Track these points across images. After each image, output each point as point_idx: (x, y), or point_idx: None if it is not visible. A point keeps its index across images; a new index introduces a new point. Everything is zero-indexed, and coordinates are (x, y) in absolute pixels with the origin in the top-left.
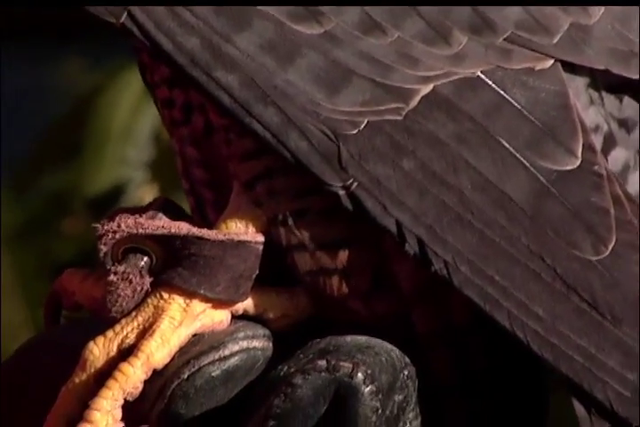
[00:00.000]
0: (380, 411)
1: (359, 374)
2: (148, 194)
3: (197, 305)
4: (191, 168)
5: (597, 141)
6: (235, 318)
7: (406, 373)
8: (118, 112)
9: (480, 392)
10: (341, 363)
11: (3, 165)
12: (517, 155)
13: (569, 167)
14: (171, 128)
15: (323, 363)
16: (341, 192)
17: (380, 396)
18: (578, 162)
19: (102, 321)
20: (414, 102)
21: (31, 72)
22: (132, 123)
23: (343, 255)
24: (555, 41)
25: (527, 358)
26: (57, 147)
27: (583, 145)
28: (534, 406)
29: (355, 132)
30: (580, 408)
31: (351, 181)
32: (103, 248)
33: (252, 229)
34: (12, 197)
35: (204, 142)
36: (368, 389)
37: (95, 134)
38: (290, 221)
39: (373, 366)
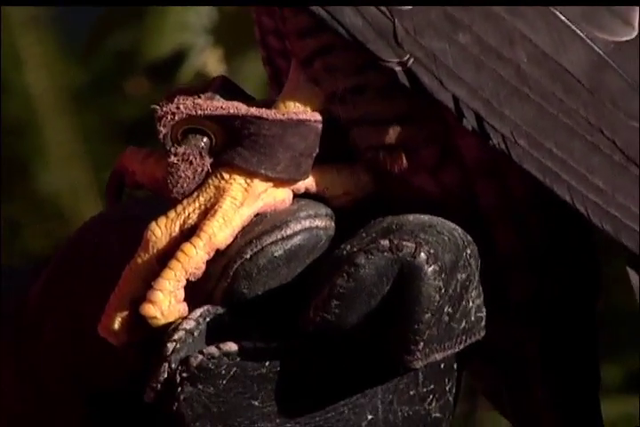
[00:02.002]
0: (443, 290)
1: (422, 254)
2: (210, 59)
3: (259, 185)
4: (267, 37)
5: None
6: (296, 196)
7: (469, 251)
8: None
9: (541, 267)
10: (404, 242)
11: (69, 27)
12: (573, 26)
13: (626, 38)
14: None
15: (385, 243)
16: (398, 68)
17: (443, 275)
18: (635, 33)
19: (163, 200)
20: None
21: None
22: None
23: (403, 131)
24: None
25: (583, 234)
26: (120, 10)
27: None
28: (590, 280)
29: (409, 7)
30: (636, 278)
31: (407, 56)
32: (162, 130)
33: (310, 107)
34: (77, 59)
35: (276, 12)
36: (431, 268)
37: None
38: (348, 98)
39: (436, 245)
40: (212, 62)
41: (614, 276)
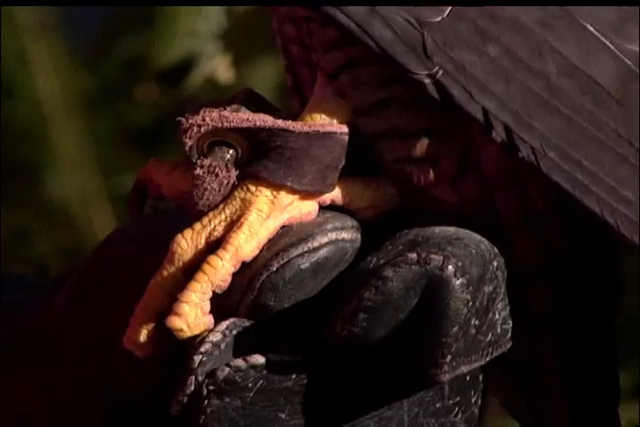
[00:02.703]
0: (470, 303)
1: (450, 267)
2: (219, 65)
3: (285, 197)
4: (289, 46)
5: None
6: (322, 209)
7: (495, 264)
8: None
9: (561, 279)
10: (432, 255)
11: (78, 32)
12: (602, 38)
13: None
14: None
15: (413, 256)
16: (427, 80)
17: (471, 288)
18: None
19: (189, 213)
20: None
21: None
22: None
23: (429, 143)
24: None
25: (605, 246)
26: (129, 16)
27: None
28: (611, 292)
29: (439, 19)
30: None
31: (437, 69)
32: (188, 142)
33: (337, 119)
34: (86, 65)
35: (300, 21)
36: (459, 281)
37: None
38: (374, 111)
39: (464, 258)
40: (221, 69)
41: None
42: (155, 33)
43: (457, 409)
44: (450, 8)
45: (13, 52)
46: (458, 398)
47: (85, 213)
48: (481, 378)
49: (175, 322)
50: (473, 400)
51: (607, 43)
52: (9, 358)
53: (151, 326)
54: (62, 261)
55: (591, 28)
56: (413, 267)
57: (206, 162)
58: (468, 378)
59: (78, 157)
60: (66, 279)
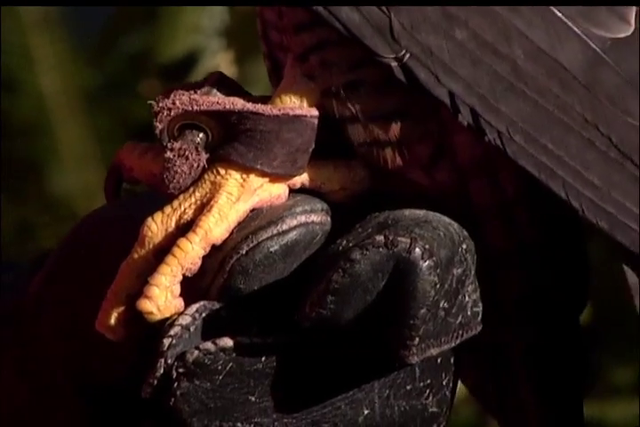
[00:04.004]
0: (438, 285)
1: (417, 249)
2: (223, 61)
3: (255, 180)
4: (268, 31)
5: None
6: (293, 192)
7: (464, 246)
8: None
9: (531, 266)
10: (399, 238)
11: (82, 28)
12: (570, 23)
13: (622, 35)
14: None
15: (380, 238)
16: (394, 64)
17: (439, 270)
18: (631, 29)
19: (162, 196)
20: None
21: None
22: None
23: (397, 127)
24: None
25: (574, 234)
26: (133, 12)
27: (637, 12)
28: (580, 277)
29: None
30: (632, 277)
31: (403, 52)
32: (159, 125)
33: (306, 102)
34: (90, 61)
35: (276, 7)
36: (426, 263)
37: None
38: (343, 94)
39: (431, 240)
40: (224, 64)
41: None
42: (158, 29)
43: (428, 391)
44: None
45: (17, 47)
46: (429, 381)
47: (89, 207)
48: (452, 360)
49: (145, 305)
50: (444, 383)
51: (574, 28)
52: None
53: (122, 308)
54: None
55: (559, 13)
56: (381, 249)
57: (176, 145)
58: (439, 360)
59: (81, 152)
60: (41, 262)
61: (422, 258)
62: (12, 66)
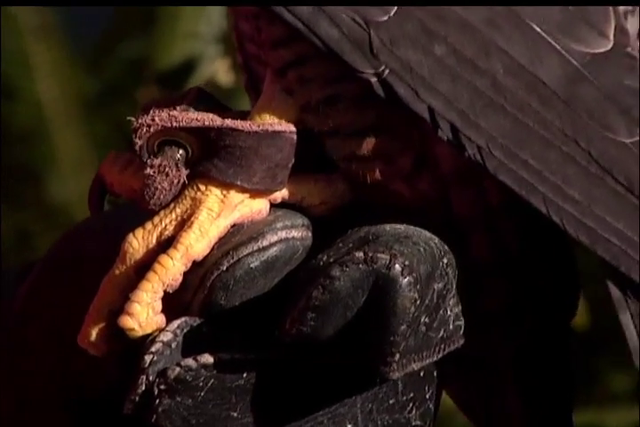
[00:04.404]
0: (418, 301)
1: (397, 266)
2: (220, 68)
3: (235, 196)
4: (244, 43)
5: (631, 24)
6: (274, 206)
7: (445, 261)
8: None
9: (516, 275)
10: (379, 254)
11: (79, 35)
12: (549, 38)
13: (601, 50)
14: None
15: (360, 254)
16: (373, 79)
17: (419, 286)
18: (610, 44)
19: (142, 211)
20: None
21: None
22: None
23: (376, 141)
24: None
25: (561, 243)
26: (131, 19)
27: (615, 27)
28: (567, 289)
29: (385, 18)
30: (615, 291)
31: (383, 67)
32: (138, 142)
33: (285, 118)
34: (87, 68)
35: (253, 19)
36: (406, 280)
37: (168, 8)
38: (321, 109)
39: (411, 256)
40: (221, 71)
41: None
42: (156, 36)
43: (411, 405)
44: (396, 8)
45: (14, 54)
46: (412, 394)
47: (86, 214)
48: (435, 373)
49: (127, 321)
50: (427, 396)
51: (554, 43)
52: None
53: (104, 324)
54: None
55: (538, 29)
56: (361, 266)
57: (157, 161)
58: (422, 374)
59: (79, 160)
60: (28, 272)
61: (402, 274)
62: (10, 73)
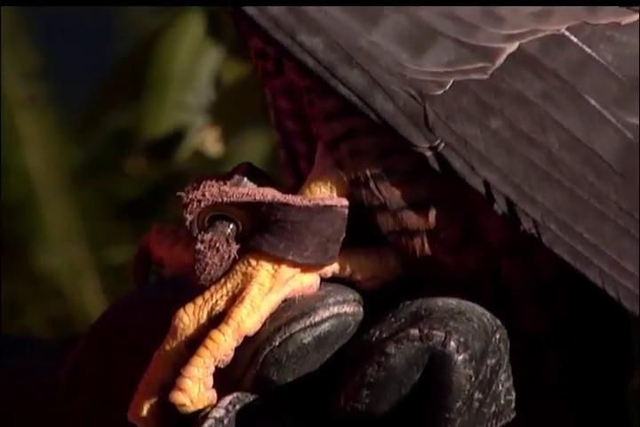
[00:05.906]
0: (473, 378)
1: (452, 343)
2: (208, 138)
3: (286, 270)
4: (283, 120)
5: None
6: (324, 281)
7: (498, 336)
8: (179, 56)
9: (569, 344)
10: (434, 331)
11: (66, 106)
12: (604, 112)
13: None
14: (264, 79)
15: (415, 331)
16: (428, 153)
17: (474, 363)
18: None
19: (192, 284)
20: (500, 61)
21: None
22: (192, 67)
23: (427, 215)
24: None
25: (615, 311)
26: (118, 89)
27: None
28: (621, 360)
29: (440, 92)
30: None
31: (438, 141)
32: (189, 217)
33: (336, 192)
34: (75, 138)
35: (296, 94)
36: (461, 357)
37: (156, 79)
38: (372, 183)
39: (466, 333)
40: (209, 141)
41: None
42: (143, 106)
43: None
44: (452, 80)
45: (3, 126)
46: None
47: (74, 284)
48: None
49: (178, 397)
50: None
51: (609, 116)
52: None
53: (155, 400)
54: (52, 331)
55: (593, 102)
56: (416, 343)
57: (207, 237)
58: None
59: (67, 230)
60: (71, 345)
61: (457, 351)
62: None
